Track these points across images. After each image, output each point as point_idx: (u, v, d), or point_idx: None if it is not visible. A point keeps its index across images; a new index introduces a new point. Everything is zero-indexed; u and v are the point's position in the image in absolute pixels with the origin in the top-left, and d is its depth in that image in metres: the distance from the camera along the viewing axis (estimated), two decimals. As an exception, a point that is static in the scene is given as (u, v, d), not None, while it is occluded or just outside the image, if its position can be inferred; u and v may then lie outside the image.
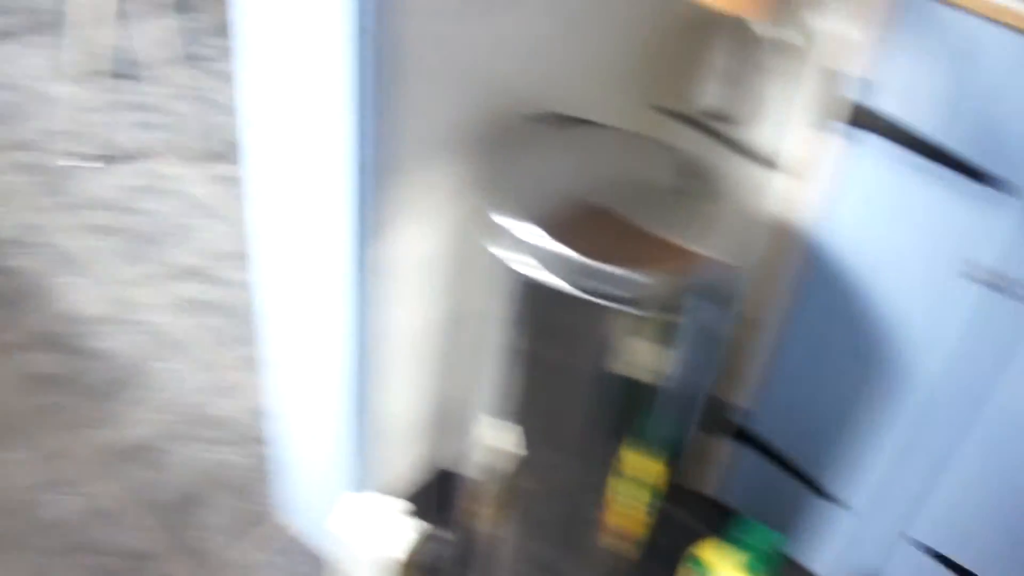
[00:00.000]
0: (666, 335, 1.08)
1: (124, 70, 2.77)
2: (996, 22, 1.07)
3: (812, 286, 1.36)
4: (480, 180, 1.13)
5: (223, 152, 2.52)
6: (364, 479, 1.43)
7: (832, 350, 1.38)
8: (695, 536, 1.38)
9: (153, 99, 2.69)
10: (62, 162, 2.40)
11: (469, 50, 1.12)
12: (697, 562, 1.35)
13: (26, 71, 2.74)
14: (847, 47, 1.20)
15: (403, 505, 1.42)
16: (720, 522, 1.47)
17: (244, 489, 1.68)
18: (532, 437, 1.19)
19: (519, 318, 1.09)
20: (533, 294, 1.04)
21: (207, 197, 2.35)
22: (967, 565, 1.38)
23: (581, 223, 1.06)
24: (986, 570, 1.36)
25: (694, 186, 1.17)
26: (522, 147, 1.17)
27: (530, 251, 1.02)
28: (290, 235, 1.26)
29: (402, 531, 1.37)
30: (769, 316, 1.42)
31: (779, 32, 1.28)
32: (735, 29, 1.33)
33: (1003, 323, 1.19)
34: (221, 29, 3.04)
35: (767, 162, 1.36)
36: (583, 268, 1.00)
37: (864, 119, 1.21)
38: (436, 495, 1.49)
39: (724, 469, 1.61)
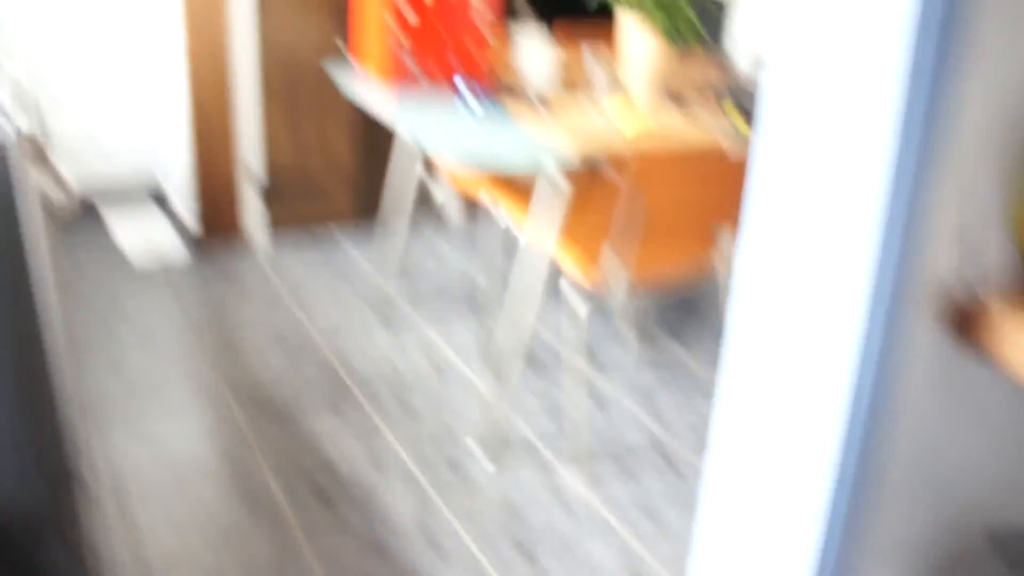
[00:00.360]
0: None
1: (535, 360, 2.82)
2: None
3: None
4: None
5: (621, 464, 2.41)
6: None
7: None
8: None
9: (556, 394, 2.68)
10: (465, 443, 2.41)
11: (943, 462, 1.07)
12: None
13: (452, 350, 2.87)
14: None
15: None
16: None
17: None
18: None
19: None
20: None
21: (597, 510, 2.23)
22: None
23: None
24: None
25: None
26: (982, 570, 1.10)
27: None
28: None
29: None
30: None
31: None
32: None
33: None
34: (625, 335, 3.04)
35: None
36: None
37: None
38: None
39: None
